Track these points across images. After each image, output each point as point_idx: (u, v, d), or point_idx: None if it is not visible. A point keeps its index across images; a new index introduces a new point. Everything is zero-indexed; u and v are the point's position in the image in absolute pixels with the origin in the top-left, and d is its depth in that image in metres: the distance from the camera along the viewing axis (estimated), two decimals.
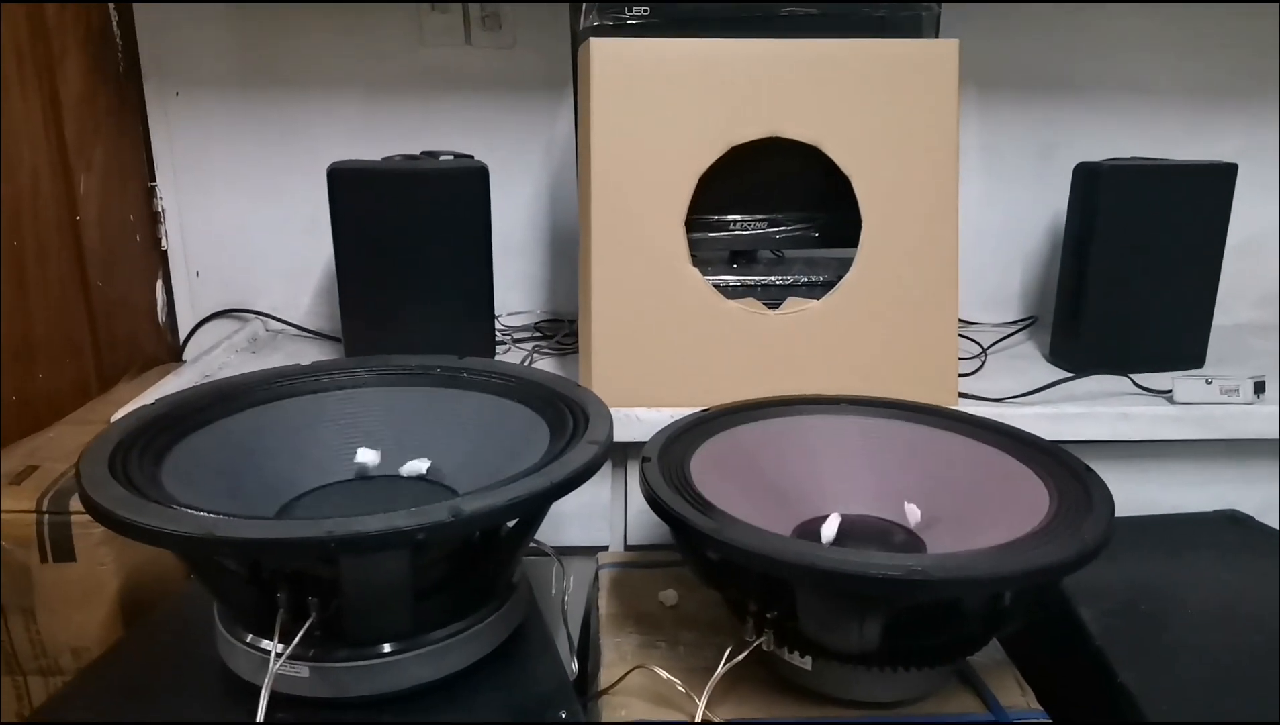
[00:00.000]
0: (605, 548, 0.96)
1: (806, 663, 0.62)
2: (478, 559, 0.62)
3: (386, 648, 0.58)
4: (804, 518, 0.73)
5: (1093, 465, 0.68)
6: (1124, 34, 1.18)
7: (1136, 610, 0.72)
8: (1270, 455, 0.93)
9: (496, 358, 1.05)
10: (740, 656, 0.62)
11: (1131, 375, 0.97)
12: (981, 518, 0.67)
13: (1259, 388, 0.90)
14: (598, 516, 0.94)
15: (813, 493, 0.75)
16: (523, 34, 1.15)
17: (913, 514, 0.71)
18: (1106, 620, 0.70)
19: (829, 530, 0.69)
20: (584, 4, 0.90)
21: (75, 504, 0.82)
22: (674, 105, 0.85)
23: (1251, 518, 0.89)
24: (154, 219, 1.19)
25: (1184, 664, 0.66)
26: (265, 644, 0.57)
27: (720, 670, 0.62)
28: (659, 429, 0.74)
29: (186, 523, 0.50)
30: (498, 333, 1.08)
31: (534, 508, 0.56)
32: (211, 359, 1.05)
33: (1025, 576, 0.54)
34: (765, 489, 0.73)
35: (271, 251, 1.21)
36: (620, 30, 0.91)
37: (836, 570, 0.54)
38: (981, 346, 1.09)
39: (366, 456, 0.71)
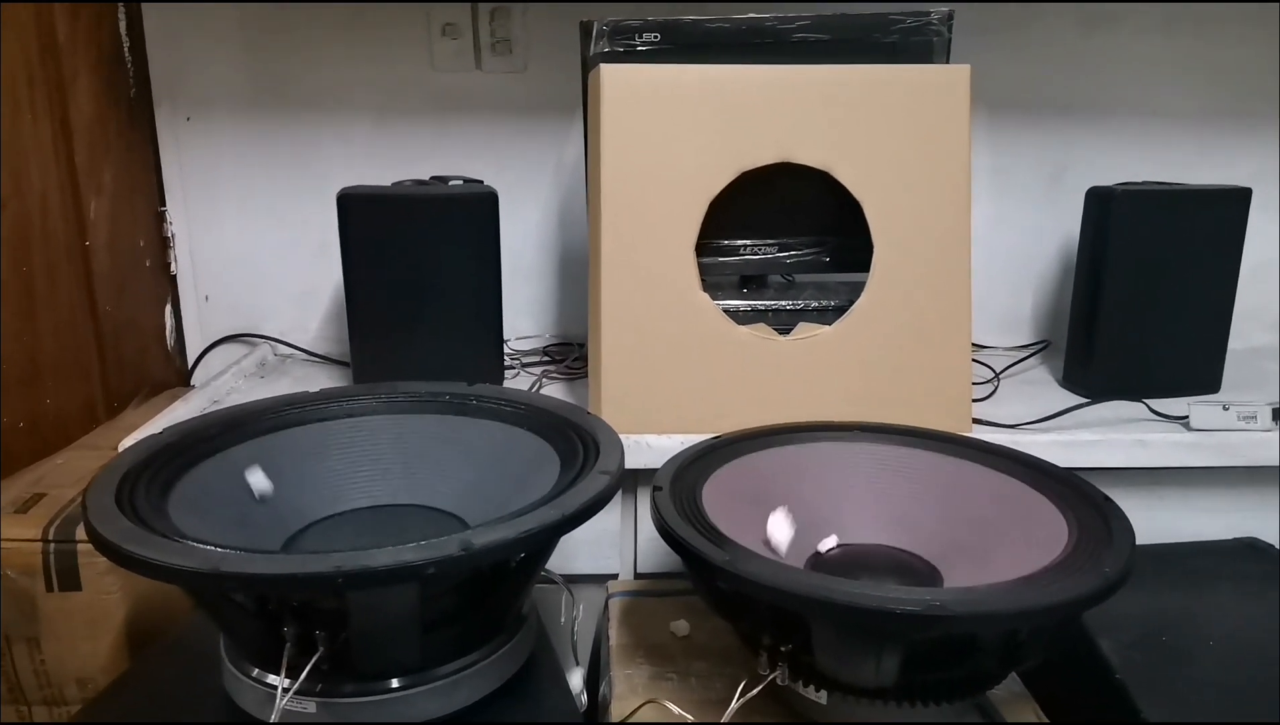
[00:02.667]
0: (615, 575, 0.95)
1: (822, 697, 0.61)
2: (487, 591, 0.61)
3: (395, 683, 0.57)
4: (818, 547, 0.72)
5: (1109, 492, 0.67)
6: (1134, 57, 1.17)
7: (1157, 642, 0.71)
8: None
9: (505, 382, 1.05)
10: (754, 692, 0.61)
11: (1147, 401, 0.96)
12: (999, 549, 0.66)
13: (1277, 414, 0.89)
14: (607, 544, 0.93)
15: (826, 522, 0.74)
16: (533, 59, 1.15)
17: (930, 545, 0.70)
18: (1127, 653, 0.69)
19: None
20: (594, 30, 0.90)
21: (82, 533, 0.81)
22: (684, 131, 0.85)
23: (1271, 546, 0.88)
24: (164, 243, 1.19)
25: (1206, 699, 0.65)
26: (272, 678, 0.56)
27: (734, 706, 0.61)
28: (670, 457, 0.73)
29: (192, 557, 0.49)
30: (507, 357, 1.08)
31: (545, 540, 0.55)
32: (220, 384, 1.05)
33: (1046, 612, 0.53)
34: None
35: (280, 275, 1.21)
36: (630, 56, 0.91)
37: (853, 605, 0.53)
38: (994, 371, 1.08)
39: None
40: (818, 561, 0.71)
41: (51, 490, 0.88)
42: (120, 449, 0.85)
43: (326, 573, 0.48)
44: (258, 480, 0.67)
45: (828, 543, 0.71)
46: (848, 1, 0.94)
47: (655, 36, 0.90)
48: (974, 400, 0.94)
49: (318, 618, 0.55)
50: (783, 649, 0.61)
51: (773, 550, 0.67)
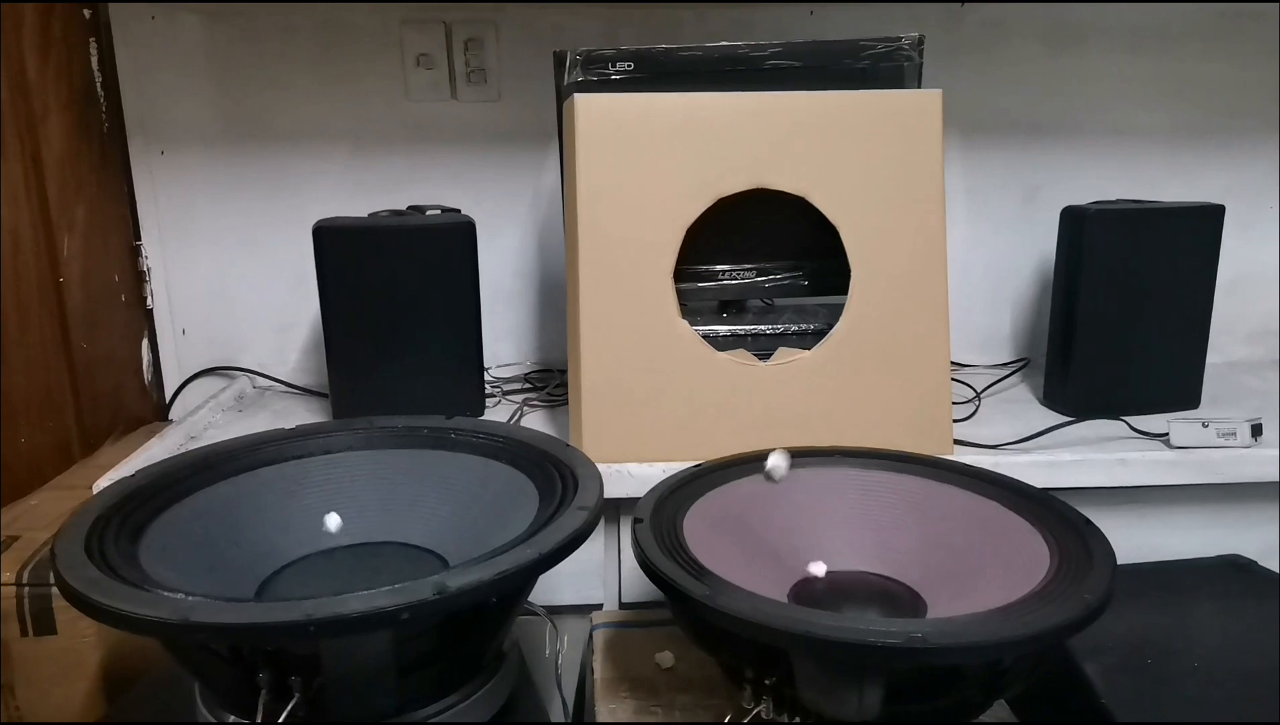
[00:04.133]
0: (599, 606, 0.94)
1: None
2: (465, 631, 0.60)
3: None
4: (800, 576, 0.72)
5: (1090, 511, 0.67)
6: (1102, 76, 1.19)
7: (1142, 664, 0.71)
8: (1269, 498, 0.92)
9: (487, 411, 1.04)
10: None
11: (1127, 418, 0.96)
12: (981, 575, 0.66)
13: (1256, 430, 0.89)
14: (590, 574, 0.92)
15: (809, 549, 0.73)
16: (507, 88, 1.16)
17: (913, 572, 0.70)
18: (1112, 676, 0.69)
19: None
20: (568, 60, 0.90)
21: None
22: (660, 159, 0.85)
23: (1254, 563, 0.88)
24: (139, 277, 1.18)
25: (1192, 721, 0.65)
26: None
27: None
28: (651, 487, 0.73)
29: (161, 607, 0.48)
30: (488, 385, 1.07)
31: (522, 580, 0.55)
32: (198, 419, 1.04)
33: (1027, 642, 0.53)
34: (760, 547, 0.72)
35: (258, 308, 1.20)
36: (604, 85, 0.91)
37: (833, 639, 0.52)
38: (975, 390, 1.09)
39: (332, 523, 0.70)
40: (800, 590, 0.70)
41: (25, 533, 0.87)
42: (94, 489, 0.84)
43: (298, 621, 0.47)
44: (333, 522, 0.68)
45: (817, 569, 0.71)
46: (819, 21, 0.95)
47: (629, 65, 0.90)
48: (956, 420, 0.94)
49: (292, 664, 0.54)
50: (766, 682, 0.60)
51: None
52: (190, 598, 0.49)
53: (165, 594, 0.50)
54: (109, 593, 0.49)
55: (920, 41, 0.91)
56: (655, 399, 0.87)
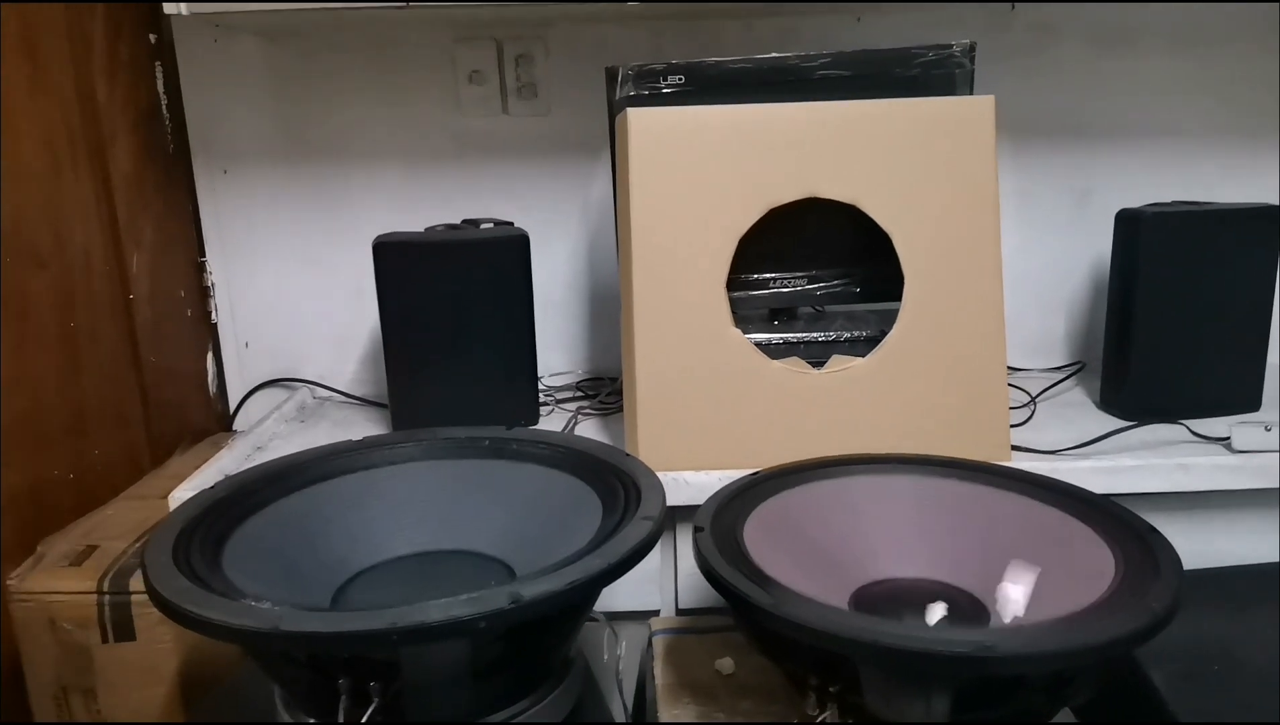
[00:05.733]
0: (656, 612, 0.95)
1: None
2: (535, 639, 0.62)
3: None
4: (861, 583, 0.72)
5: (1150, 516, 0.67)
6: (1151, 77, 1.17)
7: (1209, 672, 0.70)
8: None
9: (541, 419, 1.06)
10: None
11: (1186, 422, 0.95)
12: (1044, 583, 0.66)
13: None
14: (648, 581, 0.93)
15: (869, 557, 0.74)
16: (557, 102, 1.17)
17: (1002, 590, 0.70)
18: (1179, 684, 0.69)
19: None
20: (620, 75, 0.92)
21: (135, 583, 0.83)
22: (712, 171, 0.86)
23: None
24: (204, 293, 1.22)
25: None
26: None
27: None
28: (709, 495, 0.74)
29: (252, 617, 0.50)
30: (541, 394, 1.09)
31: (591, 590, 0.56)
32: (262, 430, 1.07)
33: (1095, 650, 0.53)
34: (820, 555, 0.72)
35: (317, 320, 1.23)
36: (656, 99, 0.92)
37: (901, 648, 0.53)
38: (1030, 395, 1.08)
39: None
40: (861, 597, 0.71)
41: (103, 542, 0.90)
42: (169, 499, 0.87)
43: (382, 629, 0.49)
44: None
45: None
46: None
47: (680, 79, 0.91)
48: (1012, 426, 0.94)
49: (371, 670, 0.55)
50: (830, 689, 0.61)
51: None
52: (278, 607, 0.51)
53: (253, 603, 0.52)
54: (201, 603, 0.51)
55: (972, 48, 0.92)
56: (709, 407, 0.88)
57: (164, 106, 1.16)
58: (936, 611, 0.68)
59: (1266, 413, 1.01)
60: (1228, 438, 0.90)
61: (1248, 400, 1.02)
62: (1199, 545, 0.88)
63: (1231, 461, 0.88)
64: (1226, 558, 0.89)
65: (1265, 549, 0.90)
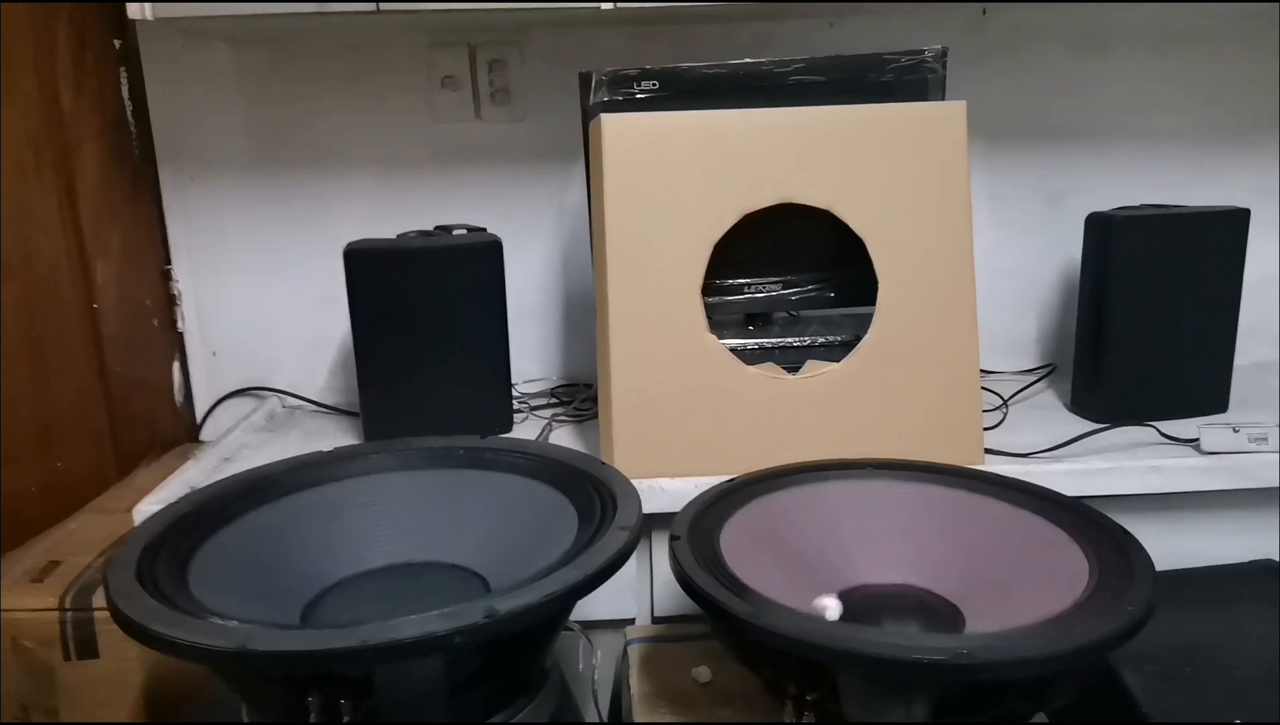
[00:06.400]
0: (632, 620, 0.94)
1: None
2: (511, 650, 0.61)
3: None
4: (838, 589, 0.72)
5: (1123, 518, 0.67)
6: (1125, 80, 1.19)
7: (1182, 674, 0.71)
8: None
9: (515, 427, 1.05)
10: None
11: (1155, 423, 0.96)
12: (1020, 587, 0.66)
13: None
14: (624, 589, 0.93)
15: (845, 563, 0.74)
16: (531, 107, 1.17)
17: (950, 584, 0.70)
18: (1153, 686, 0.69)
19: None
20: (593, 80, 0.91)
21: (99, 600, 0.81)
22: (686, 176, 0.86)
23: None
24: (170, 301, 1.20)
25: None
26: None
27: None
28: (685, 502, 0.73)
29: (219, 636, 0.49)
30: (515, 401, 1.08)
31: (569, 602, 0.55)
32: (230, 441, 1.05)
33: (1073, 656, 0.53)
34: (796, 561, 0.72)
35: (287, 329, 1.22)
36: (630, 105, 0.91)
37: (880, 656, 0.53)
38: (1003, 398, 1.09)
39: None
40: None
41: (66, 558, 0.88)
42: (135, 513, 0.85)
43: (353, 647, 0.48)
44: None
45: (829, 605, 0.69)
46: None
47: (654, 84, 0.91)
48: (985, 429, 0.94)
49: (342, 686, 0.54)
50: (808, 697, 0.60)
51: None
52: (245, 625, 0.50)
53: (220, 622, 0.51)
54: (166, 622, 0.50)
55: (944, 54, 0.92)
56: (685, 413, 0.88)
57: (130, 113, 1.14)
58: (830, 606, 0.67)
59: (1234, 414, 1.02)
60: (1197, 439, 0.91)
61: (1215, 401, 1.03)
62: (1170, 546, 0.89)
63: (1201, 463, 0.89)
64: (1197, 558, 0.90)
65: (1235, 549, 0.91)
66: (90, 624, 0.82)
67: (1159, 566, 0.62)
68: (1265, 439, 0.89)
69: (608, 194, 0.86)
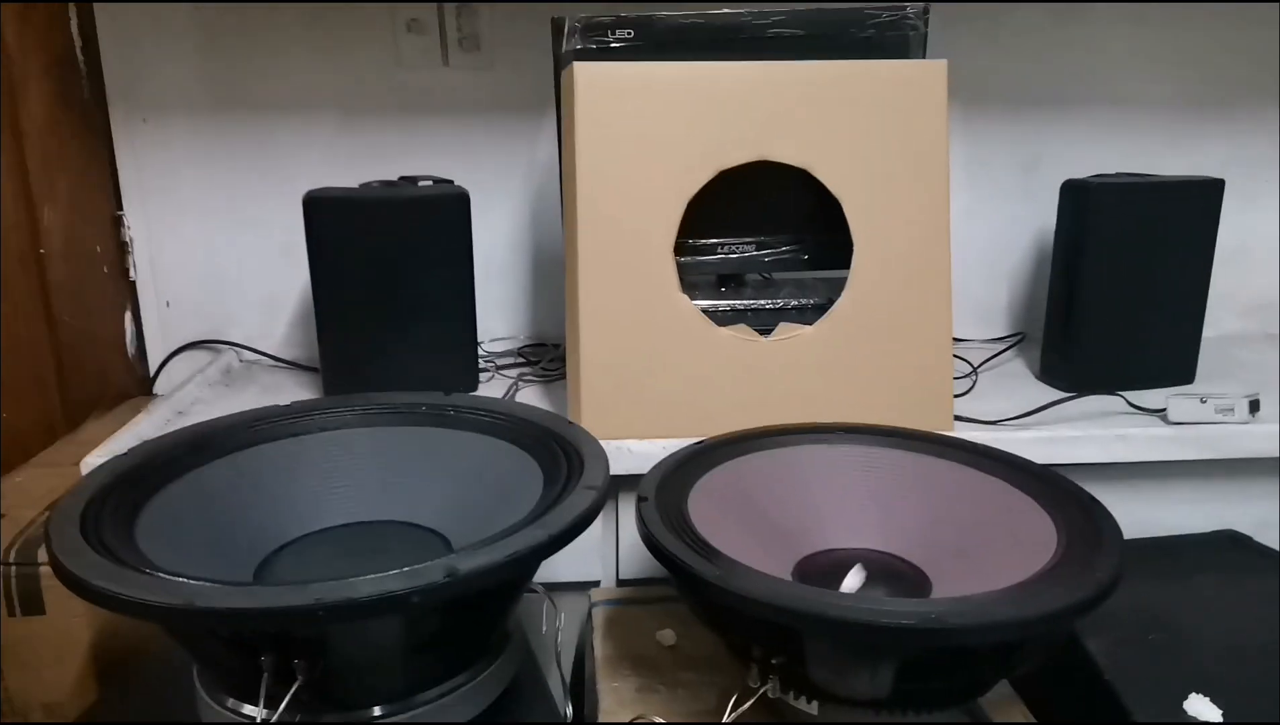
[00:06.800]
0: (597, 583, 0.93)
1: (813, 708, 0.60)
2: (470, 613, 0.59)
3: (377, 710, 0.55)
4: (805, 553, 0.71)
5: (1089, 486, 0.67)
6: (1105, 48, 1.18)
7: (1144, 641, 0.71)
8: (1266, 473, 0.92)
9: (481, 386, 1.03)
10: (745, 706, 0.60)
11: (1124, 393, 0.96)
12: (988, 553, 0.65)
13: (1254, 406, 0.90)
14: (589, 551, 0.92)
15: (813, 527, 0.73)
16: (501, 55, 1.13)
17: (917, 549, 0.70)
18: (1116, 652, 0.69)
19: (852, 582, 0.67)
20: (566, 27, 0.88)
21: (44, 555, 0.78)
22: (660, 130, 0.83)
23: (1250, 538, 0.88)
24: (122, 249, 1.15)
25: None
26: (249, 709, 0.54)
27: (727, 720, 0.60)
28: (653, 464, 0.72)
29: (163, 592, 0.47)
30: (481, 360, 1.05)
31: (533, 562, 0.54)
32: (184, 394, 1.02)
33: (1042, 621, 0.52)
34: (765, 525, 0.71)
35: (245, 280, 1.18)
36: (604, 54, 0.89)
37: (848, 619, 0.52)
38: (972, 365, 1.08)
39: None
40: (805, 568, 0.70)
41: (11, 511, 0.85)
42: (82, 466, 0.82)
43: (306, 605, 0.46)
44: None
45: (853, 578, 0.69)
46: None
47: (629, 33, 0.88)
48: (954, 396, 0.94)
49: (296, 647, 0.53)
50: (774, 661, 0.60)
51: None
52: (193, 581, 0.48)
53: (166, 577, 0.49)
54: (110, 577, 0.48)
55: (925, 11, 0.90)
56: (655, 374, 0.86)
57: (79, 50, 1.09)
58: (853, 578, 0.67)
59: (1200, 385, 1.03)
60: (1164, 409, 0.91)
61: (1183, 372, 1.04)
62: (1136, 515, 0.89)
63: (1167, 433, 0.90)
64: (1160, 527, 0.90)
65: (1196, 518, 0.91)
66: (36, 579, 0.79)
67: (1125, 535, 0.62)
68: (1231, 410, 0.90)
69: (579, 147, 0.83)
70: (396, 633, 0.51)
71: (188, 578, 0.49)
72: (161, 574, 0.49)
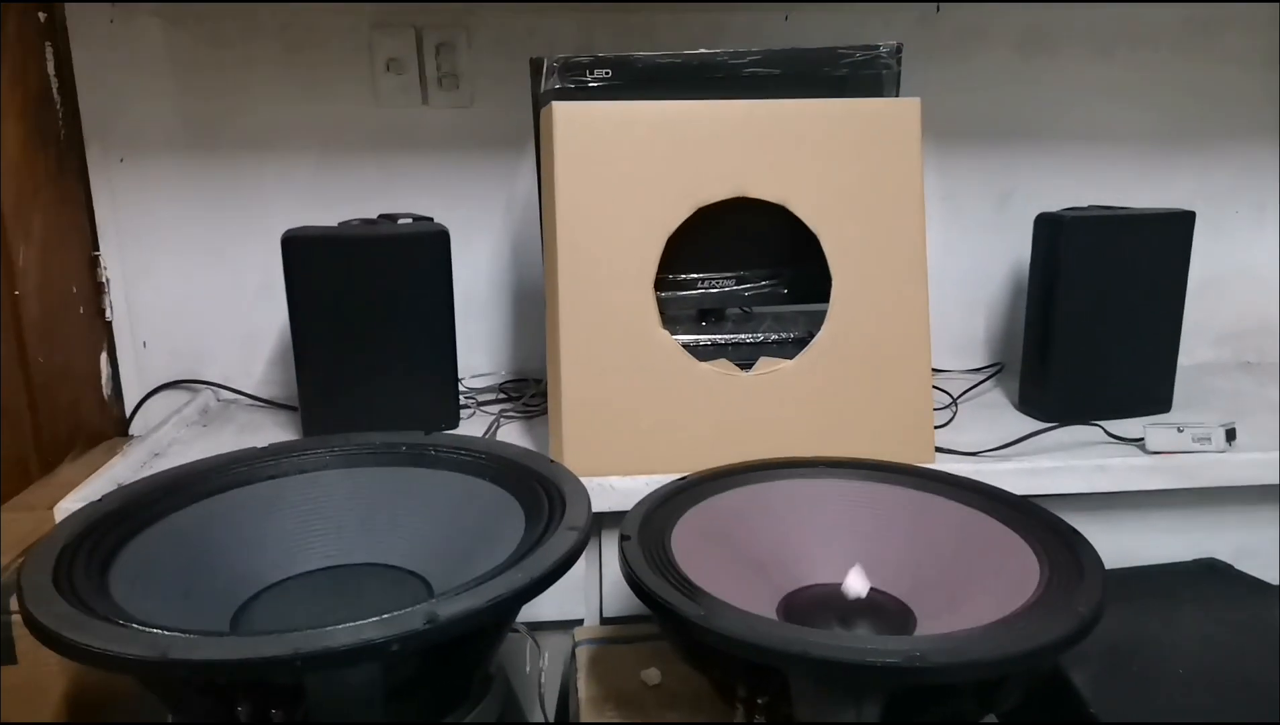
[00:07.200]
0: (580, 621, 0.92)
1: None
2: (453, 657, 0.58)
3: None
4: (789, 588, 0.71)
5: (1069, 517, 0.67)
6: (1076, 84, 1.20)
7: (1128, 672, 0.71)
8: (1243, 502, 0.93)
9: (462, 423, 1.02)
10: None
11: (1101, 422, 0.96)
12: (971, 587, 0.65)
13: (1230, 435, 0.90)
14: (572, 589, 0.91)
15: (797, 562, 0.73)
16: (479, 93, 1.14)
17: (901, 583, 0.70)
18: (1099, 684, 0.69)
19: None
20: (545, 67, 0.89)
21: (16, 604, 0.77)
22: (639, 168, 0.84)
23: (1230, 566, 0.89)
24: (98, 288, 1.14)
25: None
26: None
27: None
28: (636, 501, 0.72)
29: (137, 643, 0.46)
30: (462, 397, 1.05)
31: (515, 605, 0.53)
32: (161, 435, 1.01)
33: (1026, 657, 0.52)
34: (748, 561, 0.71)
35: (222, 319, 1.17)
36: (582, 92, 0.89)
37: (831, 659, 0.51)
38: (952, 396, 1.09)
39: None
40: (790, 604, 0.69)
41: None
42: (56, 512, 0.81)
43: (283, 656, 0.45)
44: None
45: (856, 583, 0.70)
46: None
47: (607, 73, 0.89)
48: (935, 427, 0.94)
49: (273, 696, 0.52)
50: (759, 700, 0.59)
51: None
52: (167, 632, 0.47)
53: (140, 628, 0.48)
54: (81, 629, 0.47)
55: (898, 50, 0.91)
56: (636, 410, 0.86)
57: (55, 90, 1.09)
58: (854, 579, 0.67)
59: (1177, 414, 1.04)
60: (1142, 439, 0.92)
61: (1159, 401, 1.05)
62: (1116, 544, 0.90)
63: (1146, 462, 0.90)
64: (1139, 557, 0.91)
65: (1180, 548, 0.92)
66: (8, 628, 0.77)
67: (1106, 565, 0.62)
68: (1209, 439, 0.90)
69: (559, 184, 0.84)
70: (376, 680, 0.50)
71: (162, 628, 0.48)
72: (135, 625, 0.49)
